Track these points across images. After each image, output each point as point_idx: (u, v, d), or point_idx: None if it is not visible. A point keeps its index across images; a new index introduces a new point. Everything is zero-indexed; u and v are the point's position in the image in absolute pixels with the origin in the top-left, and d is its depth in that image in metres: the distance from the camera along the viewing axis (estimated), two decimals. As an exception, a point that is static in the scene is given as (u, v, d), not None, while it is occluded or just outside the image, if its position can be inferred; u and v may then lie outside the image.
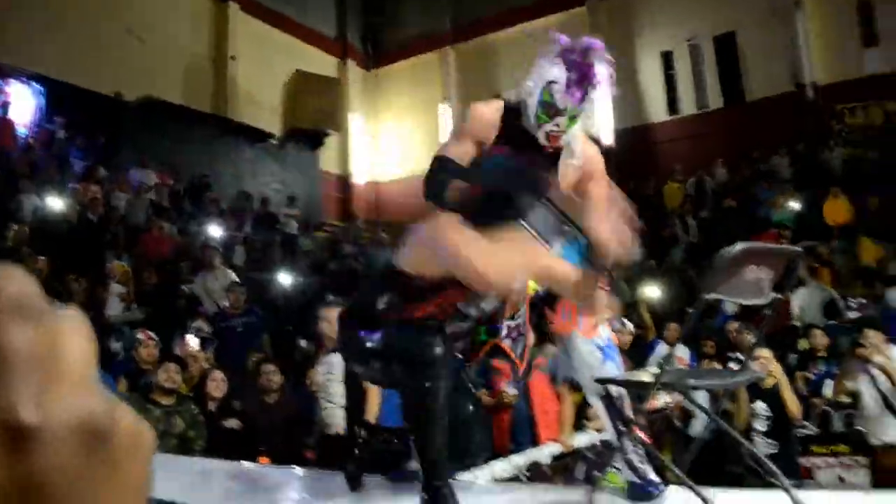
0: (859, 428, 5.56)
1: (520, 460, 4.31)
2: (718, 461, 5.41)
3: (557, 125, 2.40)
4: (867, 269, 9.68)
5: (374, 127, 20.23)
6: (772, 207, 12.35)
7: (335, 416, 4.88)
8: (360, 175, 19.69)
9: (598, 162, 2.58)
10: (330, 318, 5.09)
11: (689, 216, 13.27)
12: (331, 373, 4.92)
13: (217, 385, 5.72)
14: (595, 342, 2.55)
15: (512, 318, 2.61)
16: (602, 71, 2.41)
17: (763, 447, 4.99)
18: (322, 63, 18.73)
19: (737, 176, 14.30)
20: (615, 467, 4.37)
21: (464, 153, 2.42)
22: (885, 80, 14.58)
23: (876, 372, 4.95)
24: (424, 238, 2.31)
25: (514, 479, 4.14)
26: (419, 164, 20.09)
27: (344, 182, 19.31)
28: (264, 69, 16.92)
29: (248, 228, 12.75)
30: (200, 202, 12.50)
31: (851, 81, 14.88)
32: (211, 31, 16.28)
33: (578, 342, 2.56)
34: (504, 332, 2.63)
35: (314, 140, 17.45)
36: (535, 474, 4.37)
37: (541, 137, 2.36)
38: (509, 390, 4.78)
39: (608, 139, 17.15)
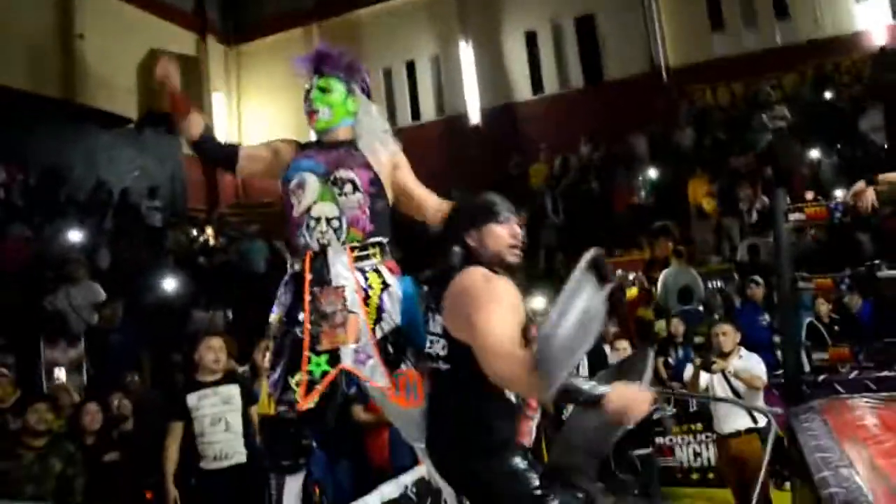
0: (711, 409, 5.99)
1: (407, 479, 4.40)
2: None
3: (310, 104, 2.90)
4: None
5: (238, 107, 19.56)
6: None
7: (234, 447, 4.81)
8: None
9: (402, 155, 3.02)
10: (213, 346, 4.97)
11: (558, 196, 13.69)
12: (229, 403, 4.84)
13: (92, 418, 5.46)
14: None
15: (356, 341, 2.67)
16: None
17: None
18: (180, 40, 17.78)
19: (598, 155, 14.86)
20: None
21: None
22: (731, 63, 15.64)
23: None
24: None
25: (403, 498, 4.24)
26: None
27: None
28: (116, 48, 15.81)
29: (109, 224, 12.08)
30: (55, 198, 11.70)
31: (701, 63, 15.83)
32: (56, 8, 15.06)
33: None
34: (350, 356, 2.66)
35: (174, 123, 16.61)
36: (424, 491, 4.48)
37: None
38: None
39: (475, 118, 17.49)
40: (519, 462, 2.33)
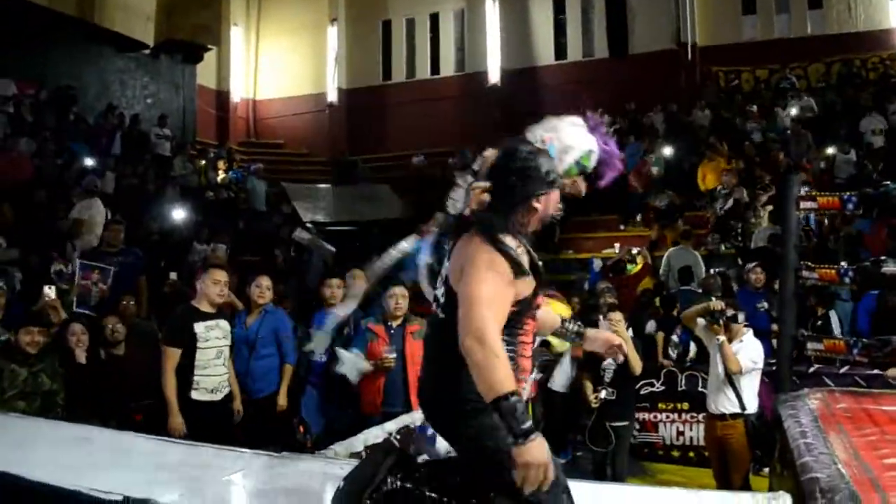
0: (703, 390, 6.02)
1: (392, 426, 4.44)
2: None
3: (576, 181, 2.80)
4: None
5: (256, 43, 19.36)
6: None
7: (227, 382, 4.85)
8: (239, 92, 18.90)
9: None
10: (219, 279, 4.95)
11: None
12: (227, 338, 4.85)
13: (77, 339, 5.43)
14: None
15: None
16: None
17: (604, 394, 5.48)
18: (202, -30, 17.54)
19: (615, 127, 14.69)
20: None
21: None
22: (759, 47, 15.42)
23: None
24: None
25: (386, 443, 4.28)
26: (302, 85, 19.58)
27: (221, 99, 18.47)
28: (137, -28, 15.65)
29: (117, 148, 12.02)
30: (65, 117, 11.63)
31: (728, 46, 15.60)
32: (79, -73, 14.81)
33: None
34: None
35: (192, 53, 16.47)
36: (407, 438, 4.52)
37: (563, 182, 2.58)
38: (389, 354, 4.87)
39: (494, 77, 17.31)
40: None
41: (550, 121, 2.79)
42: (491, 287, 2.22)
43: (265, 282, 5.27)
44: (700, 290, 8.48)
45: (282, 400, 5.21)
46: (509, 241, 2.34)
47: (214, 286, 4.81)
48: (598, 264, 10.31)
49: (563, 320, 2.80)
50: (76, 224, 8.08)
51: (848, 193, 4.53)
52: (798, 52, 14.96)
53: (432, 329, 2.57)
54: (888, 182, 4.72)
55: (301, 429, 5.34)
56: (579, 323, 2.89)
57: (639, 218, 11.65)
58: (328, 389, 5.27)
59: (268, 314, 5.27)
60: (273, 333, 5.22)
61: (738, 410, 5.22)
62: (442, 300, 2.44)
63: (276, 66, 19.09)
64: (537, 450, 2.07)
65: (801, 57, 14.88)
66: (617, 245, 10.73)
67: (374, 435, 4.23)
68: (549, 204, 2.43)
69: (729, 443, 5.19)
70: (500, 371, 2.10)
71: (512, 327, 2.34)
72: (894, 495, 2.61)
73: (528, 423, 2.08)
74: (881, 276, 4.33)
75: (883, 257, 4.64)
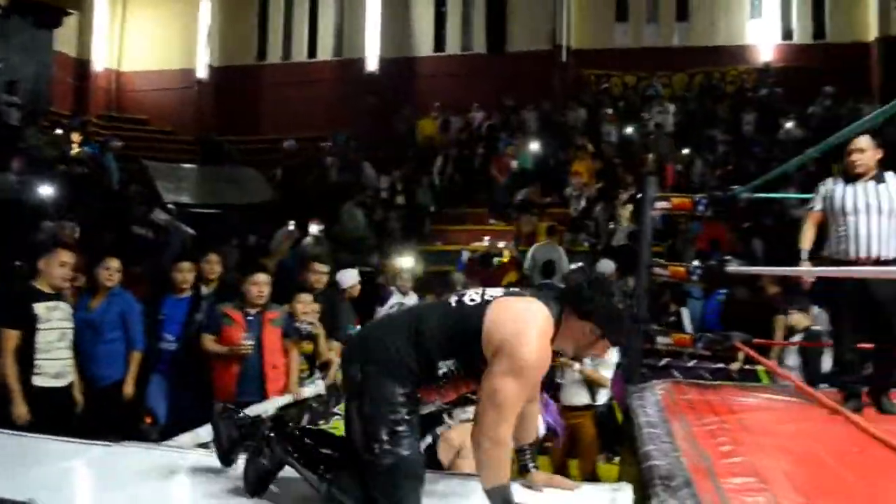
0: (560, 381, 6.18)
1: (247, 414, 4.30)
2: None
3: None
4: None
5: (123, 10, 18.29)
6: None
7: (72, 365, 4.53)
8: (102, 62, 17.80)
9: None
10: (64, 260, 4.60)
11: (449, 157, 13.65)
12: (69, 320, 4.52)
13: None
14: None
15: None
16: None
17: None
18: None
19: (489, 122, 14.93)
20: (339, 414, 4.60)
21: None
22: (629, 54, 16.13)
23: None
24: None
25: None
26: (171, 59, 18.66)
27: (82, 67, 17.34)
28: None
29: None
30: None
31: (601, 50, 16.25)
32: None
33: None
34: None
35: (49, 16, 15.25)
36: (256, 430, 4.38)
37: None
38: (246, 341, 4.71)
39: (372, 65, 17.18)
40: (401, 395, 2.38)
41: None
42: (523, 389, 2.30)
43: (114, 263, 4.95)
44: (562, 285, 8.72)
45: (128, 387, 4.90)
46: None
47: (60, 268, 4.50)
48: (466, 256, 10.43)
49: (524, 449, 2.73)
50: None
51: (699, 196, 4.76)
52: (665, 61, 15.80)
53: (430, 309, 2.69)
54: (736, 186, 4.98)
55: (148, 419, 5.08)
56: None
57: (509, 212, 11.85)
58: (179, 377, 5.02)
59: (115, 297, 4.94)
60: (120, 317, 4.91)
61: (588, 402, 5.43)
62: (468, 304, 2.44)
63: (144, 37, 18.11)
64: None
65: (667, 66, 15.72)
66: (486, 238, 10.88)
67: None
68: None
69: (579, 432, 5.43)
70: (506, 464, 2.29)
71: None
72: (726, 481, 2.73)
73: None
74: (725, 274, 4.58)
75: (728, 257, 4.92)
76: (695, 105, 14.46)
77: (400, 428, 2.34)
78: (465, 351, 2.36)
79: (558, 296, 2.44)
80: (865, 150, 3.91)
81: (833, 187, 4.04)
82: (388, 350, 2.40)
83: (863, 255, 3.89)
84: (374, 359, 2.41)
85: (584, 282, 2.40)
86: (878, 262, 3.85)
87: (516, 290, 2.56)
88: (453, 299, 2.51)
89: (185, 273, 5.24)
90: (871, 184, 3.90)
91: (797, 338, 5.84)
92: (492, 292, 2.47)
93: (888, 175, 3.91)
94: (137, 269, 6.96)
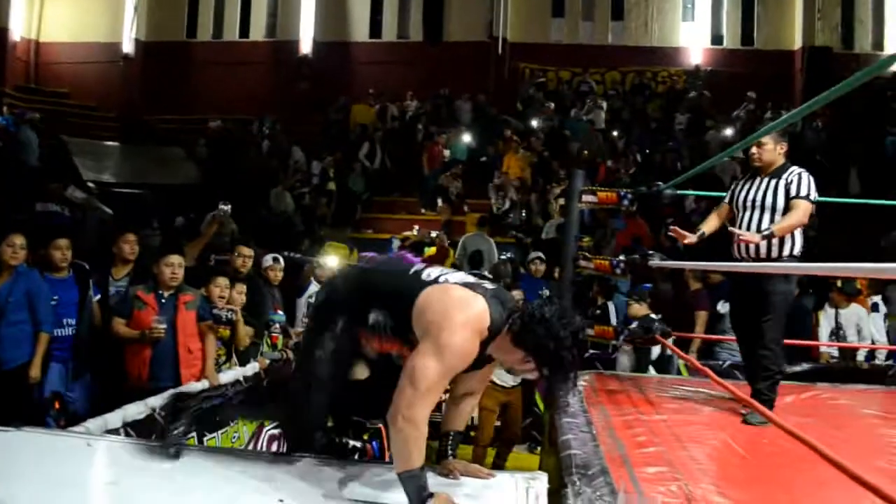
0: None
1: (156, 401, 4.14)
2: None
3: None
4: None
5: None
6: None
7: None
8: (19, 31, 16.94)
9: None
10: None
11: (378, 142, 13.51)
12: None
13: None
14: None
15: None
16: None
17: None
18: None
19: (422, 110, 14.87)
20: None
21: None
22: (564, 49, 16.31)
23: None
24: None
25: (149, 420, 3.98)
26: (96, 31, 17.87)
27: (-4, 36, 16.51)
28: None
29: None
30: None
31: (537, 45, 16.38)
32: None
33: None
34: None
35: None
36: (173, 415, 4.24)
37: None
38: (158, 325, 4.54)
39: (306, 48, 16.89)
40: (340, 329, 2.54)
41: None
42: (443, 374, 2.30)
43: (18, 240, 4.66)
44: (490, 275, 8.74)
45: (34, 371, 4.65)
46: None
47: None
48: (396, 244, 10.35)
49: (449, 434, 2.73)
50: None
51: (624, 191, 4.81)
52: (598, 58, 16.04)
53: (395, 265, 2.75)
54: (660, 182, 5.05)
55: (56, 404, 4.86)
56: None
57: (439, 201, 11.81)
58: (85, 362, 4.81)
59: (20, 276, 4.68)
60: (26, 297, 4.65)
61: (517, 383, 5.89)
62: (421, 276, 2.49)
63: (66, 6, 17.30)
64: None
65: (600, 63, 15.95)
66: (416, 227, 10.84)
67: (136, 411, 3.90)
68: None
69: (509, 406, 5.98)
70: (419, 448, 2.25)
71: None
72: (641, 471, 2.78)
73: (427, 491, 2.23)
74: (648, 268, 4.65)
75: (651, 251, 5.00)
76: (623, 102, 14.71)
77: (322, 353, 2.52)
78: (397, 312, 2.44)
79: (512, 311, 2.40)
80: (764, 144, 3.80)
81: (739, 182, 3.99)
82: (344, 289, 2.62)
83: (742, 252, 3.82)
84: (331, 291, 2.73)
85: (534, 312, 2.31)
86: (756, 260, 3.77)
87: (475, 282, 2.51)
88: (417, 267, 2.58)
89: (63, 250, 4.98)
90: (766, 180, 3.80)
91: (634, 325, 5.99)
92: (451, 276, 2.50)
93: (793, 171, 3.77)
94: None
